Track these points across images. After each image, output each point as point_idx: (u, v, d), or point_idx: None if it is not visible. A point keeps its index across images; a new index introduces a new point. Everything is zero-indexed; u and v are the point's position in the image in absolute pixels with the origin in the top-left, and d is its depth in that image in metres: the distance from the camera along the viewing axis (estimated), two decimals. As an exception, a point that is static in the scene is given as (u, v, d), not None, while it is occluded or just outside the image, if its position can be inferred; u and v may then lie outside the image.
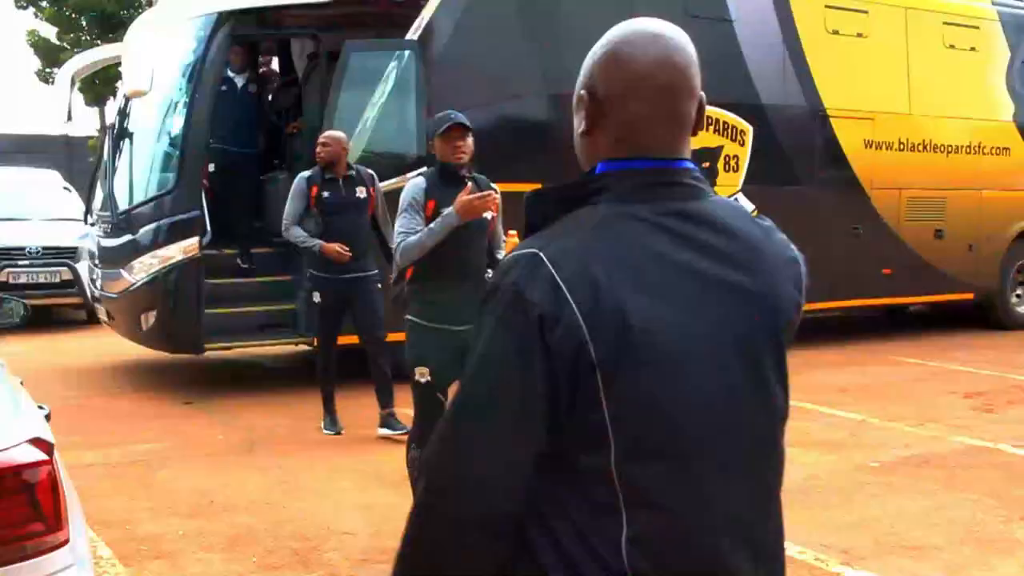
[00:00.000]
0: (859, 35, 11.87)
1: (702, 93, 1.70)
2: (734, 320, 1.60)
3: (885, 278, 11.85)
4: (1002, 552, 5.13)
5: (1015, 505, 5.86)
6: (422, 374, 4.89)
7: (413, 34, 9.43)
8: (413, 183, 5.14)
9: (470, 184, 4.95)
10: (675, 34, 1.73)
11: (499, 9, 9.79)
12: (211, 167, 9.93)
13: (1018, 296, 13.49)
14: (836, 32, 11.71)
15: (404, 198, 5.05)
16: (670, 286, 1.56)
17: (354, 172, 7.53)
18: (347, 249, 7.24)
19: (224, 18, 9.20)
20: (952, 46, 12.67)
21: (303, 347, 9.79)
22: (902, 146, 11.97)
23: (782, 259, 1.71)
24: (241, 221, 10.16)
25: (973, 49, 12.89)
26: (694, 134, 1.70)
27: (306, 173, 7.51)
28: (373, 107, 9.30)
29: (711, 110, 10.79)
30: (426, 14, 9.48)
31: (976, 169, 12.68)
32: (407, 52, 9.36)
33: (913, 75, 12.26)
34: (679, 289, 1.57)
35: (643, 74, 1.65)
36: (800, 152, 11.37)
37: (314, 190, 7.35)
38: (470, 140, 5.09)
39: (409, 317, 5.07)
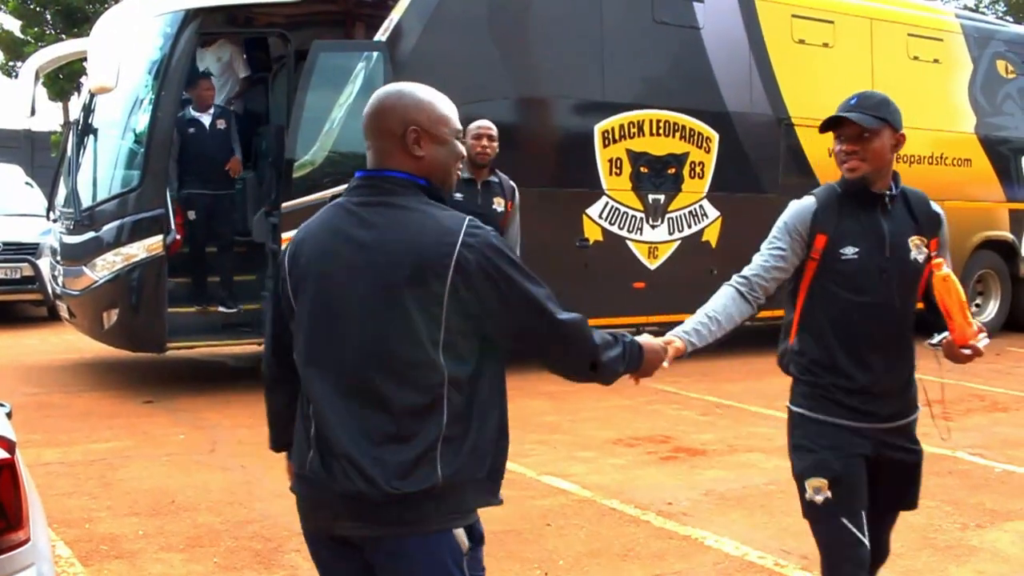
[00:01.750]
0: (825, 45, 11.99)
1: (410, 125, 2.50)
2: (362, 265, 2.44)
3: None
4: (959, 558, 5.19)
5: (971, 512, 5.93)
6: None
7: (382, 35, 9.43)
8: None
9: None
10: (385, 91, 2.58)
11: (468, 11, 9.81)
12: (191, 215, 9.76)
13: (977, 306, 13.67)
14: (802, 41, 11.82)
15: None
16: (327, 242, 2.52)
17: (496, 179, 6.62)
18: None
19: (191, 15, 9.15)
20: (916, 57, 12.82)
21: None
22: (865, 155, 12.09)
23: (421, 237, 2.43)
24: (226, 266, 9.97)
25: (937, 61, 13.06)
26: (412, 153, 2.51)
27: None
28: (340, 108, 9.28)
29: (676, 116, 10.88)
30: (395, 15, 9.48)
31: (938, 180, 12.80)
32: (376, 53, 9.35)
33: (878, 85, 12.34)
34: (334, 244, 2.50)
35: (364, 121, 2.57)
36: (765, 160, 11.46)
37: None
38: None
39: None
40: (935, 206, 3.49)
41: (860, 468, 3.36)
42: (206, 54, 10.69)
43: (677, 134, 10.94)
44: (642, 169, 10.74)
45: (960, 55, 13.35)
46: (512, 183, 6.86)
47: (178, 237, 9.17)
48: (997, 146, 13.61)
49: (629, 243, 10.69)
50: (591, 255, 10.40)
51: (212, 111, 9.99)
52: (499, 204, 6.39)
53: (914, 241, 3.36)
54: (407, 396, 2.40)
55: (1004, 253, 13.79)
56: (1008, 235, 13.77)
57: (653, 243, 10.89)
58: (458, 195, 6.02)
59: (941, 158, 12.96)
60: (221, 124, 10.02)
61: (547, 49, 10.17)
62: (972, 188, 13.33)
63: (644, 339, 2.81)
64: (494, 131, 6.19)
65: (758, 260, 3.47)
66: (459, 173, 5.93)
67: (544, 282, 2.49)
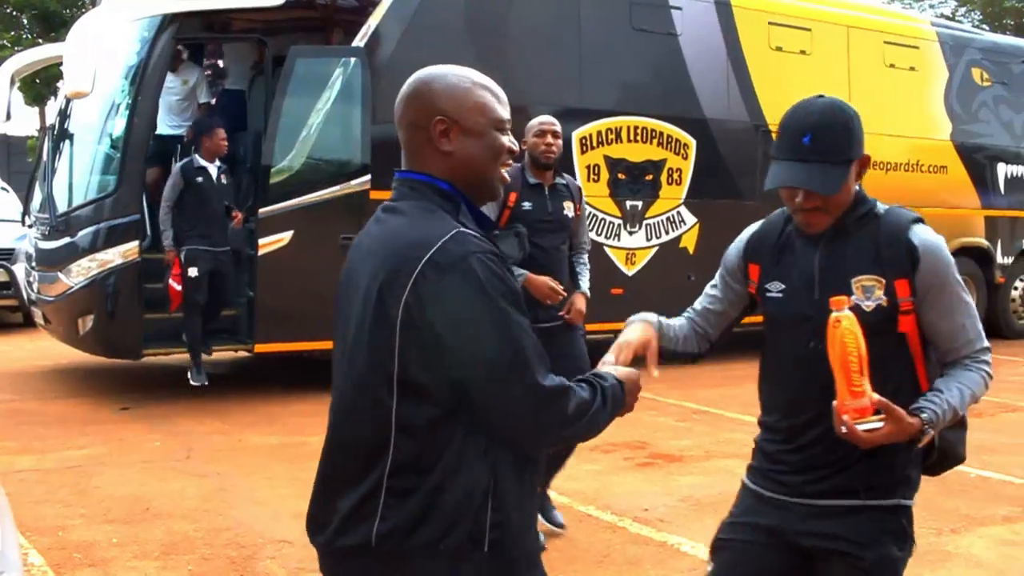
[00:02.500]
0: (802, 52, 12.04)
1: (436, 115, 2.13)
2: (354, 278, 2.15)
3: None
4: (934, 564, 5.21)
5: (946, 517, 5.95)
6: None
7: (360, 41, 9.42)
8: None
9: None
10: (414, 76, 2.22)
11: (447, 18, 9.81)
12: (192, 271, 8.86)
13: (953, 312, 13.74)
14: (779, 49, 11.87)
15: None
16: (360, 244, 2.20)
17: (564, 182, 5.68)
18: (559, 287, 5.39)
19: (168, 20, 9.11)
20: (892, 65, 12.89)
21: (243, 353, 9.72)
22: (842, 162, 12.15)
23: (395, 249, 2.08)
24: (195, 333, 9.18)
25: (913, 68, 13.13)
26: (439, 148, 2.14)
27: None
28: (318, 113, 9.27)
29: (654, 123, 10.91)
30: (373, 21, 9.48)
31: (914, 187, 12.88)
32: (353, 59, 9.34)
33: (854, 92, 12.41)
34: (352, 253, 2.22)
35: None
36: (742, 166, 11.49)
37: (512, 198, 5.34)
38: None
39: None
40: (918, 236, 2.60)
41: (753, 547, 2.76)
42: (176, 78, 10.44)
43: (655, 141, 10.97)
44: (620, 175, 10.77)
45: (936, 63, 13.42)
46: (578, 183, 6.11)
47: (178, 288, 8.80)
48: (973, 153, 13.69)
49: (607, 249, 10.70)
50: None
51: (217, 165, 9.15)
52: (569, 209, 5.57)
53: (861, 283, 2.59)
54: (363, 430, 2.08)
55: (980, 260, 13.87)
56: (984, 242, 13.85)
57: (631, 249, 10.92)
58: (526, 204, 5.35)
59: (917, 165, 13.04)
60: (226, 179, 9.22)
61: (525, 55, 10.19)
62: (948, 195, 13.41)
63: (622, 373, 2.31)
64: (558, 127, 5.45)
65: (699, 299, 3.01)
66: (528, 178, 5.32)
67: (526, 331, 2.05)
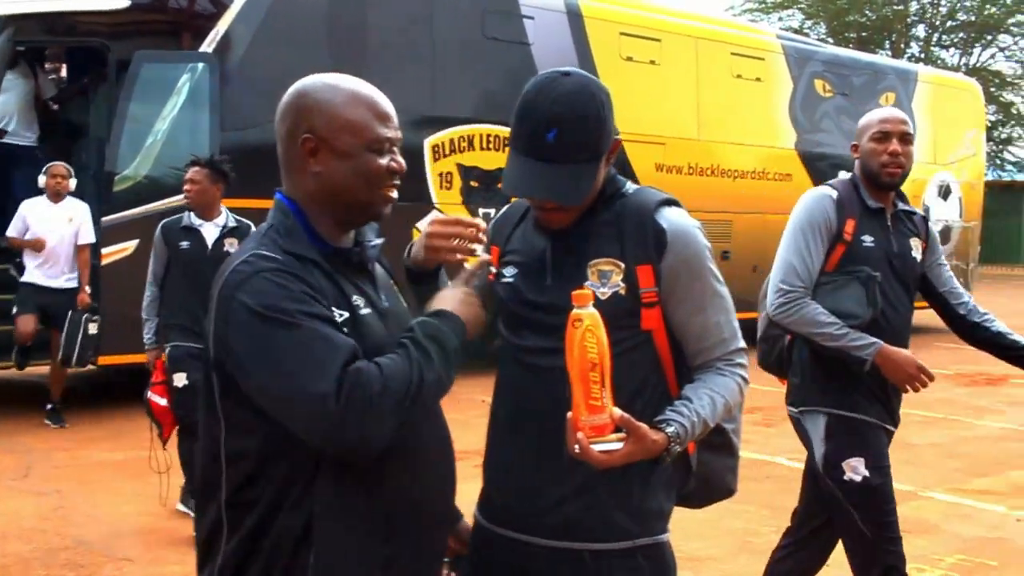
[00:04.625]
0: (652, 62, 12.27)
1: (305, 131, 2.01)
2: None
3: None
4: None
5: (787, 515, 6.06)
6: None
7: (208, 46, 9.25)
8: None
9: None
10: (295, 84, 2.06)
11: (298, 22, 9.70)
12: (178, 380, 5.88)
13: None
14: (630, 59, 12.07)
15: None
16: None
17: (910, 209, 3.88)
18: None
19: (5, 22, 8.81)
20: (739, 76, 13.24)
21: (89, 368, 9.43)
22: (691, 170, 12.45)
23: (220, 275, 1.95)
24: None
25: (759, 79, 13.50)
26: (307, 168, 2.01)
27: (824, 189, 3.78)
28: (164, 120, 9.07)
29: (507, 131, 10.94)
30: (221, 26, 9.31)
31: (760, 194, 13.28)
32: (201, 64, 9.17)
33: (702, 102, 12.75)
34: None
35: None
36: (593, 175, 11.62)
37: (849, 228, 3.64)
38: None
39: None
40: (666, 218, 2.23)
41: None
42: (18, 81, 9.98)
43: (507, 149, 11.02)
44: (472, 183, 10.80)
45: (781, 74, 13.84)
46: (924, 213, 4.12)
47: (162, 402, 5.91)
48: (816, 161, 14.15)
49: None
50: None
51: (221, 224, 6.19)
52: (916, 248, 3.77)
53: (597, 267, 2.20)
54: (204, 459, 2.00)
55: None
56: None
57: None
58: (867, 239, 3.62)
59: (763, 173, 13.43)
60: (231, 245, 6.09)
61: (378, 62, 10.14)
62: (793, 202, 13.70)
63: (441, 297, 2.10)
64: (911, 128, 3.74)
65: None
66: (865, 199, 3.64)
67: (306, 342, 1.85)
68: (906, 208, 3.78)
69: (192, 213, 6.20)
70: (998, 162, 40.78)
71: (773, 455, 7.53)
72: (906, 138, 3.66)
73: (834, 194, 3.66)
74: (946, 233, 16.17)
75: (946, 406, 9.87)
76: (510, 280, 2.28)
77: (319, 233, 2.01)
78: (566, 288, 2.07)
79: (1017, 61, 38.78)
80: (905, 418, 9.00)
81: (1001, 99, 39.01)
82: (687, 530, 5.69)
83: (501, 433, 2.31)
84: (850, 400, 3.62)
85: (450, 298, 2.08)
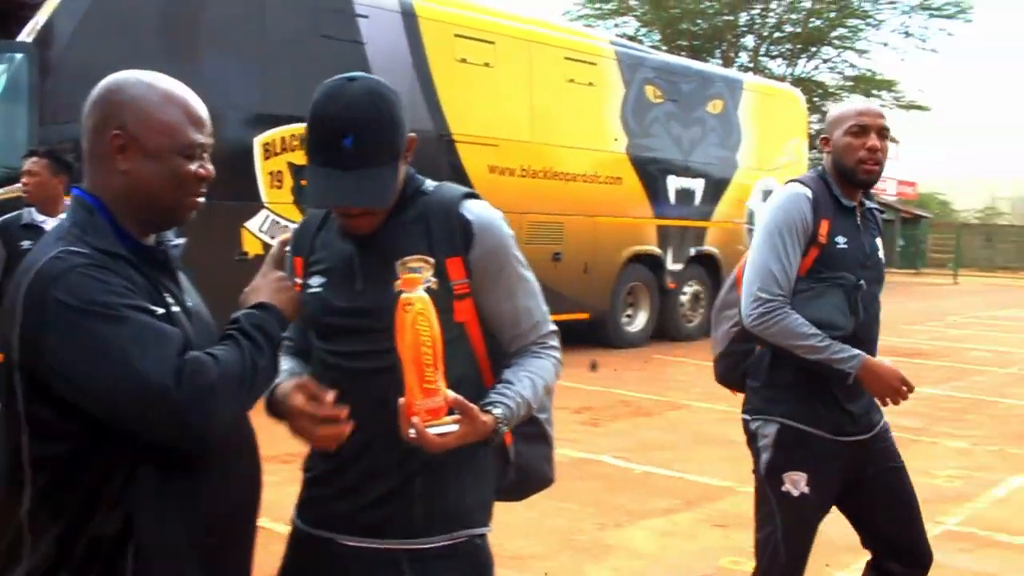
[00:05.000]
0: (486, 65, 12.32)
1: (114, 127, 1.97)
2: None
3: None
4: (596, 558, 5.44)
5: (611, 512, 6.24)
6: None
7: (27, 36, 8.89)
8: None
9: None
10: (105, 79, 2.03)
11: (125, 14, 9.38)
12: None
13: (628, 316, 14.49)
14: (464, 60, 12.10)
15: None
16: None
17: (871, 205, 3.61)
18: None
19: None
20: (572, 80, 13.41)
21: None
22: (524, 172, 12.55)
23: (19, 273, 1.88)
24: None
25: (591, 84, 13.70)
26: (115, 165, 1.97)
27: (798, 187, 3.42)
28: (-22, 112, 8.69)
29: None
30: (42, 16, 8.96)
31: (592, 196, 13.50)
32: (20, 55, 8.80)
33: (536, 105, 12.89)
34: None
35: None
36: (425, 175, 11.57)
37: (823, 228, 3.37)
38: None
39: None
40: (471, 211, 2.28)
41: None
42: None
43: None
44: (303, 183, 10.66)
45: (613, 79, 14.08)
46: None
47: None
48: (646, 165, 14.45)
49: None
50: (250, 269, 10.16)
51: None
52: (881, 247, 3.58)
53: (407, 264, 2.19)
54: (3, 465, 1.93)
55: (652, 266, 14.69)
56: (656, 249, 14.67)
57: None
58: (840, 240, 3.36)
59: (595, 176, 13.64)
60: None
61: (208, 57, 9.91)
62: (623, 205, 14.12)
63: (253, 286, 2.13)
64: (886, 120, 3.46)
65: None
66: (838, 196, 3.35)
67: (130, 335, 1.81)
68: (872, 205, 3.57)
69: (33, 209, 5.75)
70: (821, 169, 42.33)
71: (599, 453, 7.67)
72: (884, 133, 3.40)
73: (809, 193, 3.34)
74: (769, 237, 16.72)
75: (766, 404, 10.20)
76: (318, 290, 2.27)
77: (125, 230, 1.97)
78: (379, 290, 2.16)
79: (839, 73, 40.40)
80: (725, 416, 9.32)
81: (824, 109, 40.57)
82: (511, 528, 5.74)
83: None
84: (808, 412, 3.36)
85: (266, 288, 2.10)
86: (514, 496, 2.52)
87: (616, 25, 37.42)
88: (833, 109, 3.56)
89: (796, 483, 3.36)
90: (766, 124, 16.70)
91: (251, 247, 10.19)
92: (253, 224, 10.15)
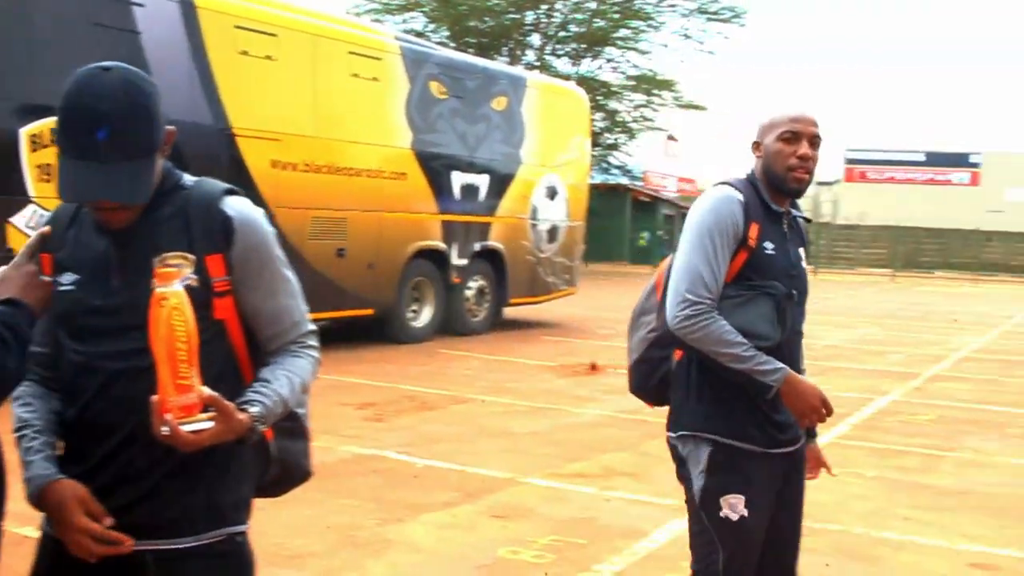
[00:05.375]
0: (268, 57, 12.10)
1: None
2: None
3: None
4: (375, 553, 5.44)
5: (392, 507, 6.25)
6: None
7: None
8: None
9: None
10: None
11: None
12: None
13: (414, 312, 14.52)
14: (246, 53, 11.84)
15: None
16: None
17: (798, 213, 3.48)
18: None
19: None
20: (356, 75, 13.32)
21: None
22: (308, 167, 12.38)
23: None
24: None
25: (376, 79, 13.64)
26: None
27: (729, 190, 3.27)
28: None
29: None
30: None
31: (377, 192, 13.46)
32: None
33: (320, 99, 12.75)
34: None
35: None
36: (205, 169, 11.09)
37: (753, 232, 3.23)
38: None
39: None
40: (232, 207, 2.26)
41: None
42: None
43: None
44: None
45: (398, 75, 14.05)
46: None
47: None
48: (431, 161, 14.49)
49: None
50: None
51: None
52: (803, 257, 3.43)
53: (165, 261, 2.15)
54: None
55: (437, 262, 14.76)
56: (441, 244, 14.74)
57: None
58: (769, 246, 3.23)
59: (379, 172, 13.60)
60: None
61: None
62: (408, 200, 14.12)
63: (15, 280, 2.08)
64: (819, 128, 3.33)
65: None
66: (767, 200, 3.24)
67: None
68: (798, 214, 3.43)
69: None
70: (604, 166, 43.47)
71: (382, 449, 7.66)
72: (816, 141, 3.28)
73: (740, 196, 3.21)
74: (554, 232, 17.08)
75: (549, 396, 10.42)
76: (70, 288, 2.19)
77: None
78: (136, 287, 2.10)
79: (622, 72, 41.49)
80: (508, 408, 9.46)
81: (607, 107, 41.63)
82: (290, 527, 5.69)
83: (77, 441, 2.21)
84: (738, 427, 3.20)
85: (17, 281, 2.06)
86: (274, 492, 2.50)
87: (404, 21, 37.37)
88: (766, 114, 3.35)
89: (734, 506, 3.17)
90: (550, 121, 17.00)
91: (16, 243, 9.73)
92: (19, 220, 9.69)
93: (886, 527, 6.25)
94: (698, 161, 62.13)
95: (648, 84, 41.22)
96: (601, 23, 39.36)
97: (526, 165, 16.47)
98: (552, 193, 17.03)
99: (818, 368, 13.57)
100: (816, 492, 6.80)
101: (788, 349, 3.24)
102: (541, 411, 9.61)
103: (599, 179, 44.13)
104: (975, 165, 77.59)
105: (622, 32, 39.95)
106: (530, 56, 40.09)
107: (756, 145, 3.33)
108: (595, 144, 39.28)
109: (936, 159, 78.55)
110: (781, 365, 3.12)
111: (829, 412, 3.16)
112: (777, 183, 3.25)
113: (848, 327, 20.01)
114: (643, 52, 40.52)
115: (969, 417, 10.20)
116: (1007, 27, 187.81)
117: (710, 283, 3.11)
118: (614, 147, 43.11)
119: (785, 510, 3.32)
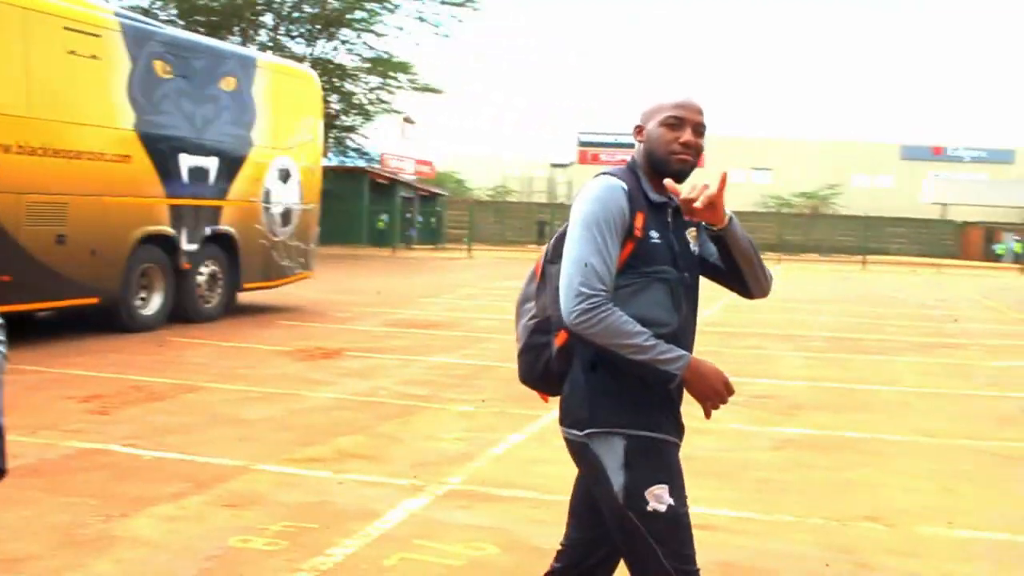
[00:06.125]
0: (-27, 32, 11.37)
1: None
2: None
3: (3, 285, 11.44)
4: (99, 551, 5.21)
5: (117, 503, 6.01)
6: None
7: None
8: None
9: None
10: None
11: None
12: None
13: (142, 299, 13.99)
14: (-53, 27, 11.09)
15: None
16: None
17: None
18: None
19: None
20: (73, 52, 12.66)
21: None
22: (21, 149, 11.69)
23: None
24: None
25: (95, 57, 13.02)
26: None
27: (613, 180, 3.23)
28: None
29: None
30: None
31: (99, 175, 12.86)
32: None
33: (33, 77, 12.05)
34: None
35: None
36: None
37: (639, 221, 3.21)
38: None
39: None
40: None
41: None
42: None
43: None
44: None
45: (119, 52, 13.44)
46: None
47: None
48: (157, 143, 13.97)
49: None
50: None
51: None
52: (692, 240, 3.37)
53: None
54: None
55: (166, 247, 14.29)
56: (169, 229, 14.27)
57: None
58: (655, 235, 3.19)
59: (101, 155, 12.99)
60: None
61: None
62: (133, 184, 13.57)
63: None
64: (703, 116, 3.31)
65: None
66: (647, 190, 3.19)
67: None
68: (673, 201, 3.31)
69: None
70: (342, 148, 43.26)
71: (107, 443, 7.36)
72: (700, 129, 3.23)
73: (624, 185, 3.15)
74: (288, 215, 16.84)
75: (284, 381, 10.28)
76: None
77: None
78: None
79: (357, 55, 41.31)
80: (241, 395, 9.30)
81: (344, 90, 41.39)
82: (6, 530, 5.40)
83: None
84: (649, 418, 3.11)
85: None
86: None
87: (128, -4, 35.88)
88: (650, 99, 3.29)
89: (659, 497, 3.05)
90: (281, 103, 16.72)
91: None
92: None
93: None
94: (436, 143, 62.74)
95: (384, 67, 41.24)
96: (336, 4, 39.06)
97: (258, 147, 16.15)
98: (285, 176, 16.77)
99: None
100: (545, 465, 7.05)
101: (684, 335, 3.20)
102: (275, 397, 9.47)
103: (336, 161, 43.90)
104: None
105: (358, 14, 39.78)
106: (264, 37, 39.35)
107: (639, 129, 3.28)
108: (332, 126, 39.05)
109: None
110: (683, 352, 3.06)
111: (730, 393, 3.09)
112: (659, 167, 3.19)
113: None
114: (379, 35, 40.52)
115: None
116: (751, 15, 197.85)
117: (603, 275, 3.04)
118: (351, 129, 42.94)
119: None
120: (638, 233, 3.10)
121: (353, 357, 12.03)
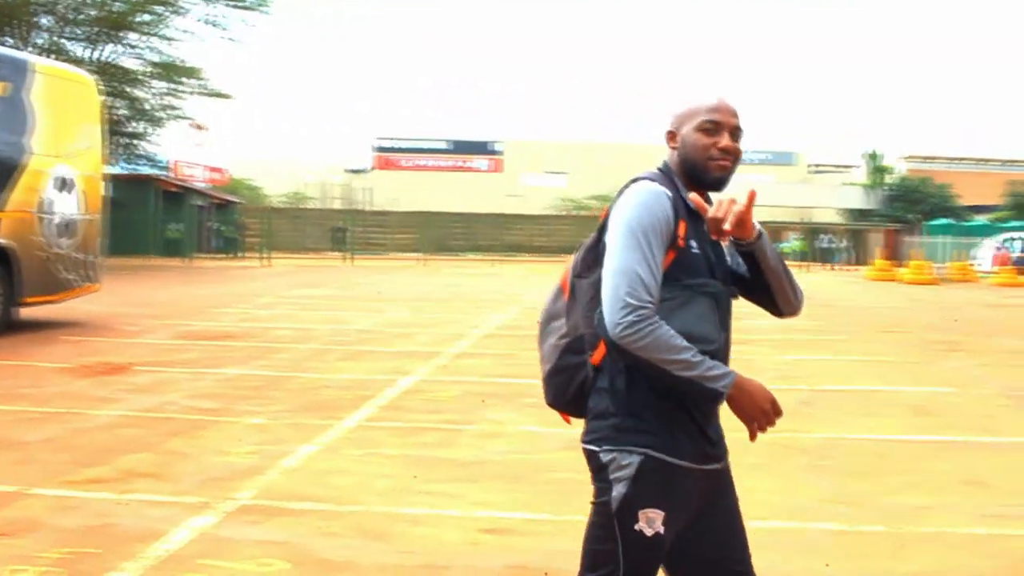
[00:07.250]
0: None
1: None
2: None
3: None
4: None
5: None
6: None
7: None
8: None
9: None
10: None
11: None
12: None
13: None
14: None
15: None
16: None
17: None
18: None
19: None
20: None
21: None
22: None
23: None
24: None
25: None
26: None
27: (657, 186, 3.06)
28: None
29: None
30: None
31: None
32: None
33: None
34: None
35: None
36: None
37: (681, 230, 3.04)
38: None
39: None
40: None
41: None
42: None
43: None
44: None
45: None
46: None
47: None
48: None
49: None
50: None
51: None
52: (726, 250, 3.25)
53: None
54: None
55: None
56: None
57: None
58: (694, 245, 3.04)
59: None
60: None
61: None
62: None
63: None
64: (740, 119, 3.17)
65: None
66: (684, 198, 3.01)
67: None
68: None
69: None
70: (130, 156, 41.87)
71: None
72: (737, 133, 3.08)
73: (668, 191, 3.00)
74: (69, 226, 16.13)
75: (66, 400, 9.83)
76: None
77: None
78: None
79: (144, 59, 40.06)
80: (19, 416, 8.84)
81: (131, 95, 40.05)
82: None
83: None
84: (672, 440, 2.98)
85: None
86: None
87: None
88: (682, 102, 3.13)
89: (651, 521, 2.94)
90: (60, 109, 16.02)
91: None
92: None
93: (405, 503, 6.45)
94: (228, 149, 61.50)
95: (172, 71, 40.13)
96: (120, 6, 37.74)
97: (34, 155, 15.40)
98: (64, 185, 16.05)
99: (348, 352, 13.86)
100: (338, 476, 6.96)
101: (724, 350, 3.06)
102: (55, 416, 9.03)
103: (124, 169, 42.45)
104: (497, 152, 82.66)
105: (144, 17, 38.57)
106: (43, 39, 37.68)
107: (671, 135, 3.12)
108: (118, 132, 37.71)
109: (461, 147, 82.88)
110: (729, 369, 2.94)
111: (779, 415, 2.96)
112: (697, 174, 3.06)
113: (379, 312, 20.58)
114: (167, 39, 39.38)
115: (489, 391, 10.76)
116: (551, 25, 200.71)
117: (650, 285, 2.88)
118: (140, 136, 41.60)
119: (719, 531, 3.16)
120: (681, 243, 2.96)
121: (141, 372, 11.60)
